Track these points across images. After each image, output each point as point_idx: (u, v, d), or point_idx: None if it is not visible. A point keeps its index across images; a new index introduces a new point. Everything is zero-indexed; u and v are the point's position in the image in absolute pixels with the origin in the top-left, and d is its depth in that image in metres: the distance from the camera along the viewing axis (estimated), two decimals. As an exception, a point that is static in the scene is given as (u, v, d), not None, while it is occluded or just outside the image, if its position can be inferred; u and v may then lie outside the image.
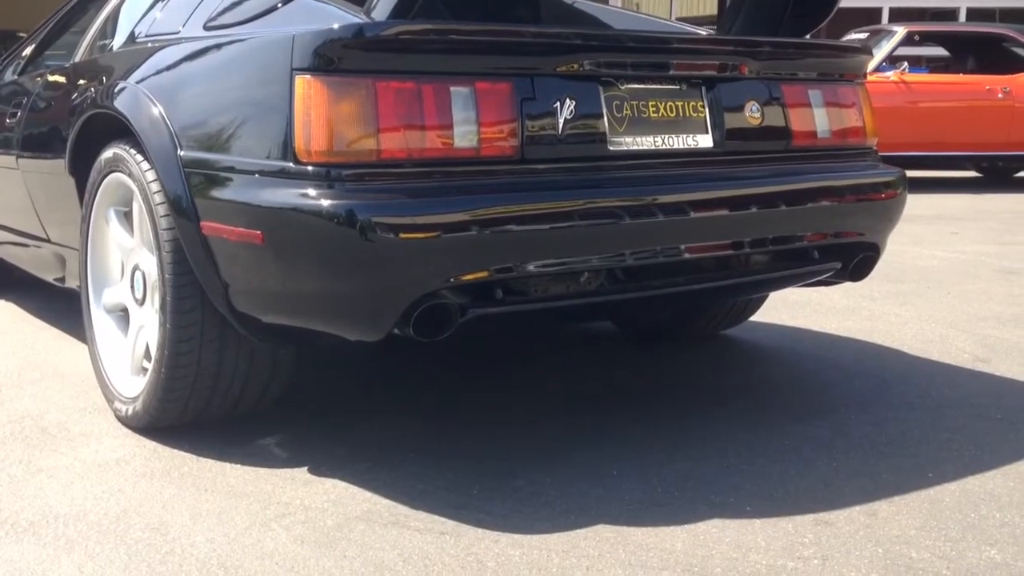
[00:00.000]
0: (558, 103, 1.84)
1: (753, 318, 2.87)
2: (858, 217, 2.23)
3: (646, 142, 1.94)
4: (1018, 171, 7.93)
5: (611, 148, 1.90)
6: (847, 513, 1.71)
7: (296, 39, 1.72)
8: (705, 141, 2.02)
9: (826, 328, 3.01)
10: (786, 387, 2.48)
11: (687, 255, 1.97)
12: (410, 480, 1.85)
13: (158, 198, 1.95)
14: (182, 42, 2.17)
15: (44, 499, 1.78)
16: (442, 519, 1.69)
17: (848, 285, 2.88)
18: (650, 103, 1.96)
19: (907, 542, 1.62)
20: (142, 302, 2.14)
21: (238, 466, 1.91)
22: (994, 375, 2.55)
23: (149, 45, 2.32)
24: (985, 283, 3.74)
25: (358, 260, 1.67)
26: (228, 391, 2.02)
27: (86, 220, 2.27)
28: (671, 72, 1.99)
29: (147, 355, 2.10)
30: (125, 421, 2.12)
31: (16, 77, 3.16)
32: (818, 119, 2.20)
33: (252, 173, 1.77)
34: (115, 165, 2.12)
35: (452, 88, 1.74)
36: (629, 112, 1.92)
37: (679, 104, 2.00)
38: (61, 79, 2.72)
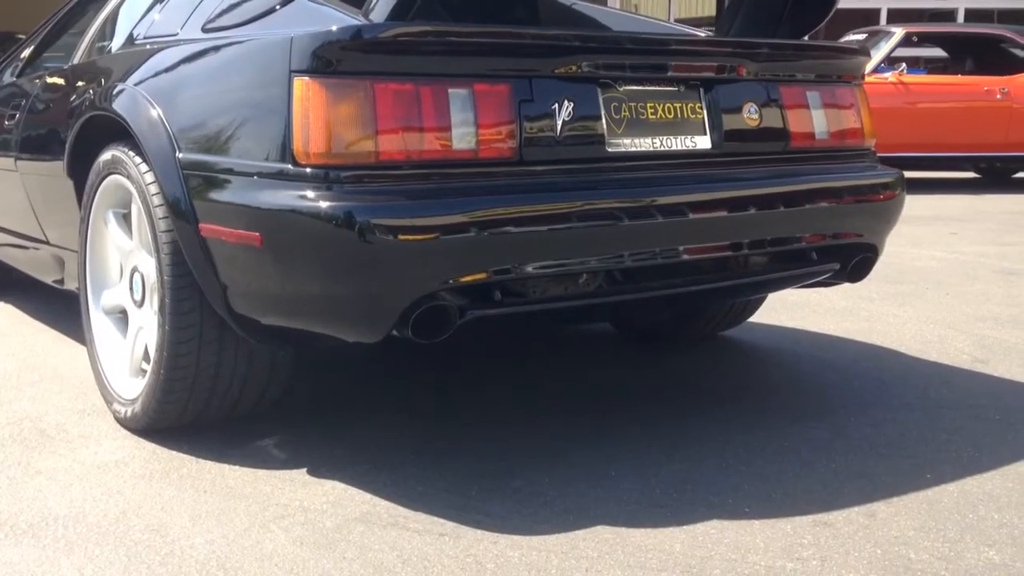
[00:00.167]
0: (556, 105, 1.84)
1: (752, 319, 2.87)
2: (856, 218, 2.23)
3: (644, 144, 1.94)
4: (1016, 172, 7.93)
5: (609, 150, 1.90)
6: (846, 514, 1.72)
7: (294, 41, 1.72)
8: (703, 142, 2.02)
9: (824, 329, 3.01)
10: (784, 388, 2.48)
11: (685, 256, 1.97)
12: (409, 481, 1.85)
13: (157, 200, 1.95)
14: (180, 44, 2.17)
15: (43, 501, 1.78)
16: (441, 520, 1.69)
17: (846, 286, 2.88)
18: (648, 105, 1.96)
19: (906, 543, 1.62)
20: (141, 304, 2.14)
21: (237, 467, 1.91)
22: (992, 376, 2.55)
23: (147, 47, 2.33)
24: (984, 284, 3.75)
25: (357, 262, 1.68)
26: (227, 392, 2.02)
27: (85, 222, 2.27)
28: (669, 74, 2.00)
29: (146, 357, 2.11)
30: (124, 423, 2.12)
31: (15, 79, 3.16)
32: (816, 120, 2.20)
33: (250, 175, 1.78)
34: (114, 167, 2.12)
35: (450, 90, 1.75)
36: (627, 114, 1.93)
37: (677, 106, 2.00)
38: (60, 81, 2.72)
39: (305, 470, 1.91)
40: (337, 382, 2.52)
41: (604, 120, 1.89)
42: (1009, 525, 1.69)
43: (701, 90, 2.03)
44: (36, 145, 2.67)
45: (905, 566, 1.55)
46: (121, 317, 2.26)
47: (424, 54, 1.74)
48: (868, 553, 1.59)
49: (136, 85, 2.11)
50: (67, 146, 2.36)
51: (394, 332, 1.74)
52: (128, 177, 2.05)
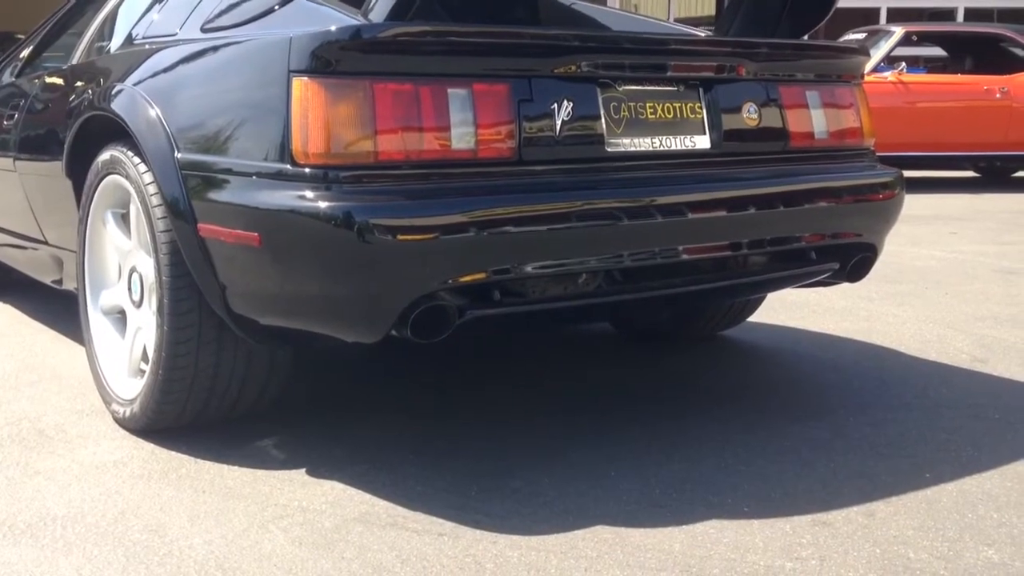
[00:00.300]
0: (556, 104, 1.84)
1: (751, 319, 2.87)
2: (856, 218, 2.23)
3: (644, 143, 1.94)
4: (1016, 171, 7.93)
5: (609, 149, 1.90)
6: (845, 514, 1.71)
7: (293, 41, 1.72)
8: (703, 142, 2.02)
9: (824, 329, 3.01)
10: (784, 388, 2.48)
11: (685, 256, 1.97)
12: (408, 481, 1.85)
13: (155, 200, 1.95)
14: (179, 44, 2.17)
15: (42, 501, 1.78)
16: (440, 520, 1.69)
17: (846, 286, 2.88)
18: (647, 104, 1.96)
19: (905, 542, 1.62)
20: (139, 304, 2.14)
21: (236, 468, 1.91)
22: (992, 375, 2.55)
23: (146, 47, 2.32)
24: (983, 283, 3.75)
25: (356, 262, 1.67)
26: (226, 393, 2.02)
27: (83, 222, 2.27)
28: (668, 73, 2.00)
29: (144, 357, 2.10)
30: (122, 423, 2.12)
31: (14, 79, 3.16)
32: (815, 120, 2.20)
33: (249, 175, 1.77)
34: (112, 167, 2.12)
35: (450, 90, 1.75)
36: (627, 113, 1.93)
37: (676, 105, 2.00)
38: (58, 81, 2.72)
39: (304, 470, 1.90)
40: (336, 382, 2.52)
41: (603, 120, 1.89)
42: (1008, 524, 1.69)
43: (700, 90, 2.03)
44: (35, 145, 2.67)
45: (904, 565, 1.55)
46: (120, 317, 2.25)
47: (423, 54, 1.74)
48: (867, 552, 1.58)
49: (135, 85, 2.11)
50: (66, 146, 2.35)
51: (393, 332, 1.74)
52: (127, 177, 2.05)
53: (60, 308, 3.14)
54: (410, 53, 1.73)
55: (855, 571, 1.53)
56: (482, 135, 1.77)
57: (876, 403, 2.31)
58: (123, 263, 2.21)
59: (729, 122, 2.05)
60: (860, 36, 7.73)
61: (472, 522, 1.68)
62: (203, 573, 1.52)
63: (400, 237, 1.67)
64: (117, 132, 2.12)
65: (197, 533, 1.65)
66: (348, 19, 1.86)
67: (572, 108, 1.86)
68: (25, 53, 3.26)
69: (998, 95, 7.12)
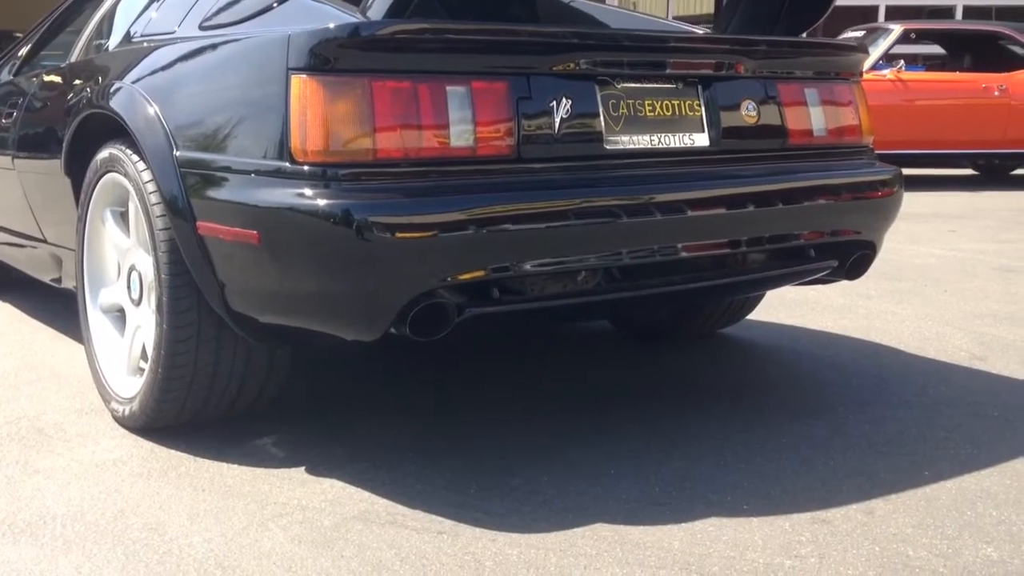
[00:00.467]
0: (554, 102, 1.84)
1: (750, 316, 2.87)
2: (854, 215, 2.23)
3: (642, 141, 1.94)
4: (1014, 169, 7.94)
5: (607, 147, 1.90)
6: (844, 511, 1.71)
7: (292, 39, 1.72)
8: (701, 140, 2.02)
9: (823, 326, 3.01)
10: (783, 386, 2.48)
11: (684, 254, 1.97)
12: (408, 479, 1.85)
13: (154, 198, 1.94)
14: (178, 42, 2.16)
15: (41, 500, 1.77)
16: (439, 518, 1.69)
17: (845, 283, 2.88)
18: (646, 102, 1.96)
19: (904, 540, 1.62)
20: (138, 302, 2.13)
21: (235, 466, 1.91)
22: (991, 373, 2.55)
23: (145, 45, 2.32)
24: (982, 281, 3.75)
25: (354, 260, 1.67)
26: (225, 391, 2.01)
27: (82, 220, 2.27)
28: (667, 71, 1.99)
29: (144, 355, 2.10)
30: (122, 421, 2.12)
31: (12, 77, 3.15)
32: (814, 117, 2.20)
33: (248, 173, 1.77)
34: (111, 165, 2.11)
35: (448, 87, 1.74)
36: (625, 111, 1.92)
37: (675, 103, 2.00)
38: (57, 79, 2.72)
39: (303, 468, 1.90)
40: (335, 380, 2.52)
41: (602, 117, 1.89)
42: (1007, 522, 1.69)
43: (699, 87, 2.03)
44: (33, 143, 2.67)
45: (903, 563, 1.55)
46: (119, 316, 2.25)
47: (422, 52, 1.74)
48: (866, 550, 1.59)
49: (133, 83, 2.11)
50: (64, 144, 2.35)
51: (392, 330, 1.74)
52: (125, 175, 2.05)
53: (59, 306, 3.13)
54: (409, 51, 1.73)
55: (854, 569, 1.53)
56: (481, 133, 1.77)
57: (875, 401, 2.31)
58: (122, 261, 2.21)
59: (728, 119, 2.05)
60: (859, 34, 7.72)
61: (471, 520, 1.68)
62: (202, 571, 1.52)
63: (399, 235, 1.66)
64: (116, 130, 2.12)
65: (196, 531, 1.65)
66: (347, 17, 1.85)
67: (571, 106, 1.86)
68: (23, 51, 3.25)
69: (997, 93, 7.12)
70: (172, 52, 2.12)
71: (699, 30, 2.59)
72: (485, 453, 1.98)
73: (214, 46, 2.01)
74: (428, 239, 1.69)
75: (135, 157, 2.02)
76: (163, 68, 2.12)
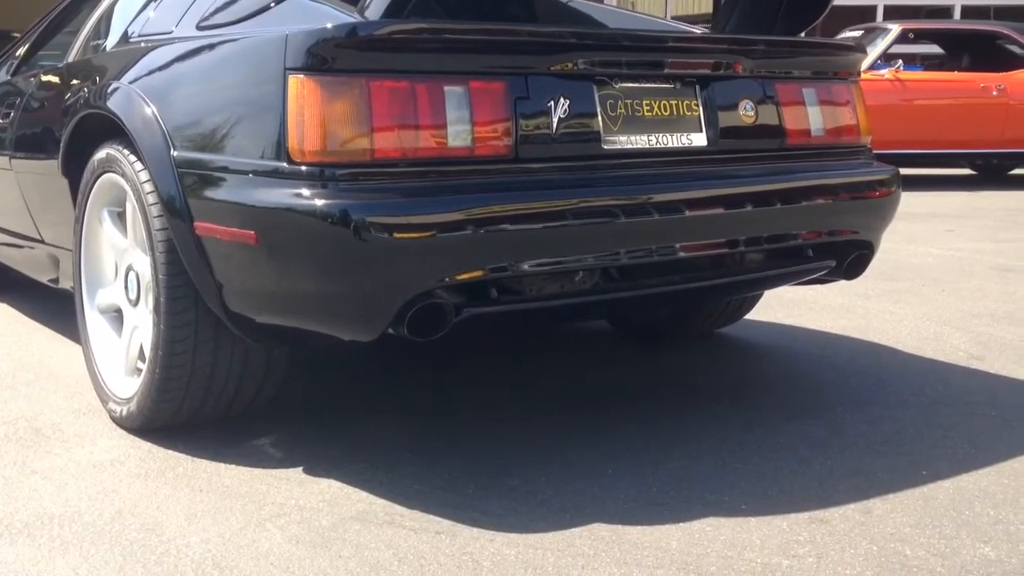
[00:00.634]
0: (552, 102, 1.84)
1: (748, 316, 2.87)
2: (852, 215, 2.23)
3: (640, 141, 1.94)
4: (1013, 168, 7.94)
5: (605, 147, 1.90)
6: (842, 511, 1.72)
7: (289, 39, 1.72)
8: (699, 140, 2.02)
9: (821, 326, 3.01)
10: (781, 385, 2.48)
11: (682, 254, 1.97)
12: (406, 480, 1.85)
13: (151, 198, 1.94)
14: (175, 42, 2.16)
15: (39, 500, 1.77)
16: (437, 518, 1.68)
17: (843, 283, 2.88)
18: (644, 102, 1.96)
19: (902, 539, 1.62)
20: (136, 303, 2.13)
21: (233, 466, 1.91)
22: (988, 372, 2.55)
23: (142, 45, 2.32)
24: (980, 280, 3.75)
25: (352, 260, 1.67)
26: (222, 391, 2.01)
27: (79, 221, 2.27)
28: (665, 71, 1.99)
29: (141, 356, 2.10)
30: (119, 422, 2.11)
31: (9, 77, 3.15)
32: (812, 117, 2.20)
33: (245, 173, 1.77)
34: (108, 165, 2.11)
35: (446, 87, 1.74)
36: (623, 111, 1.92)
37: (673, 103, 2.00)
38: (54, 79, 2.72)
39: (301, 469, 1.90)
40: (333, 380, 2.52)
41: (600, 117, 1.89)
42: (1004, 522, 1.69)
43: (697, 87, 2.03)
44: (31, 144, 2.67)
45: (901, 563, 1.55)
46: (116, 316, 2.25)
47: (419, 51, 1.74)
48: (864, 550, 1.59)
49: (131, 83, 2.11)
50: (61, 144, 2.35)
51: (390, 330, 1.74)
52: (123, 175, 2.05)
53: (56, 307, 3.13)
54: (406, 51, 1.73)
55: (852, 568, 1.53)
56: (479, 133, 1.77)
57: (873, 400, 2.31)
58: (119, 261, 2.21)
59: (726, 119, 2.05)
60: (857, 33, 7.72)
61: (469, 520, 1.68)
62: (200, 572, 1.52)
63: (397, 235, 1.66)
64: (113, 130, 2.12)
65: (194, 532, 1.65)
66: (344, 16, 1.85)
67: (569, 106, 1.85)
68: (21, 51, 3.25)
69: (995, 92, 7.13)
70: (169, 52, 2.12)
71: (697, 30, 2.59)
72: (483, 453, 1.98)
73: (211, 46, 2.01)
74: (426, 239, 1.69)
75: (132, 157, 2.02)
76: (160, 68, 2.12)
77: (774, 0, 2.40)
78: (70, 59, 2.81)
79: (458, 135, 1.75)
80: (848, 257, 2.24)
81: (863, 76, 2.51)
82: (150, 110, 1.99)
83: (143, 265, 2.07)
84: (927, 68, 8.60)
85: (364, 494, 1.78)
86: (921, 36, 8.47)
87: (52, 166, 2.42)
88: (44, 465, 1.93)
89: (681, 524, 1.66)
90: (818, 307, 3.24)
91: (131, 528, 1.66)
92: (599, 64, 1.90)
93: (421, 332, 1.73)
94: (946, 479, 1.85)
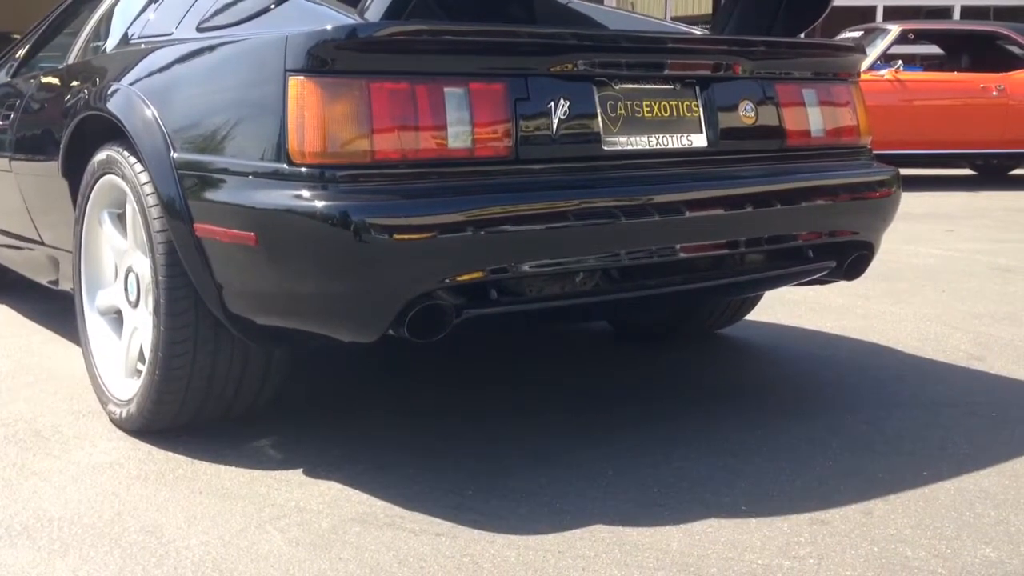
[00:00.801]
0: (552, 103, 1.84)
1: (748, 317, 2.87)
2: (852, 216, 2.23)
3: (640, 142, 1.94)
4: (1013, 168, 7.94)
5: (605, 148, 1.89)
6: (843, 512, 1.71)
7: (289, 40, 1.72)
8: (699, 141, 2.02)
9: (821, 327, 3.01)
10: (781, 386, 2.48)
11: (682, 255, 1.97)
12: (406, 481, 1.84)
13: (151, 200, 1.94)
14: (175, 44, 2.16)
15: (38, 502, 1.77)
16: (438, 520, 1.68)
17: (843, 283, 2.88)
18: (644, 103, 1.96)
19: (902, 540, 1.62)
20: (136, 304, 2.13)
21: (233, 468, 1.91)
22: (989, 373, 2.55)
23: (142, 47, 2.32)
24: (980, 281, 3.75)
25: (352, 261, 1.67)
26: (222, 393, 2.01)
27: (79, 222, 2.26)
28: (665, 72, 1.99)
29: (141, 357, 2.10)
30: (119, 424, 2.11)
31: (9, 79, 3.15)
32: (812, 118, 2.20)
33: (245, 175, 1.77)
34: (108, 167, 2.11)
35: (446, 89, 1.74)
36: (623, 112, 1.92)
37: (673, 104, 2.00)
38: (54, 81, 2.72)
39: (301, 470, 1.90)
40: (333, 382, 2.52)
41: (600, 118, 1.89)
42: (1005, 522, 1.69)
43: (697, 88, 2.03)
44: (31, 145, 2.67)
45: (902, 564, 1.55)
46: (116, 318, 2.25)
47: (419, 53, 1.74)
48: (865, 551, 1.58)
49: (131, 85, 2.10)
50: (61, 146, 2.35)
51: (390, 332, 1.74)
52: (123, 177, 2.05)
53: (56, 308, 3.13)
54: (406, 52, 1.73)
55: (853, 570, 1.53)
56: (479, 134, 1.77)
57: (873, 401, 2.31)
58: (119, 263, 2.21)
59: (726, 120, 2.05)
60: (857, 34, 7.73)
61: (469, 522, 1.68)
62: (200, 574, 1.52)
63: (397, 236, 1.66)
64: (113, 132, 2.12)
65: (194, 534, 1.64)
66: (344, 18, 1.85)
67: (569, 107, 1.85)
68: (21, 53, 3.25)
69: (995, 93, 7.13)
70: (169, 54, 2.12)
71: (697, 31, 2.59)
72: (483, 454, 1.98)
73: (212, 48, 2.01)
74: (426, 240, 1.69)
75: (132, 159, 2.02)
76: (160, 70, 2.12)
77: (774, 1, 2.40)
78: (70, 61, 2.81)
79: (458, 136, 1.75)
80: (848, 258, 2.24)
81: (863, 77, 2.51)
82: (150, 112, 1.99)
83: (143, 267, 2.07)
84: (927, 68, 8.61)
85: (364, 495, 1.78)
86: (921, 36, 8.47)
87: (52, 168, 2.42)
88: (44, 467, 1.93)
89: (682, 525, 1.66)
90: (819, 307, 3.24)
91: (131, 530, 1.66)
92: (599, 65, 1.90)
93: (421, 333, 1.73)
94: (947, 480, 1.85)
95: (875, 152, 2.39)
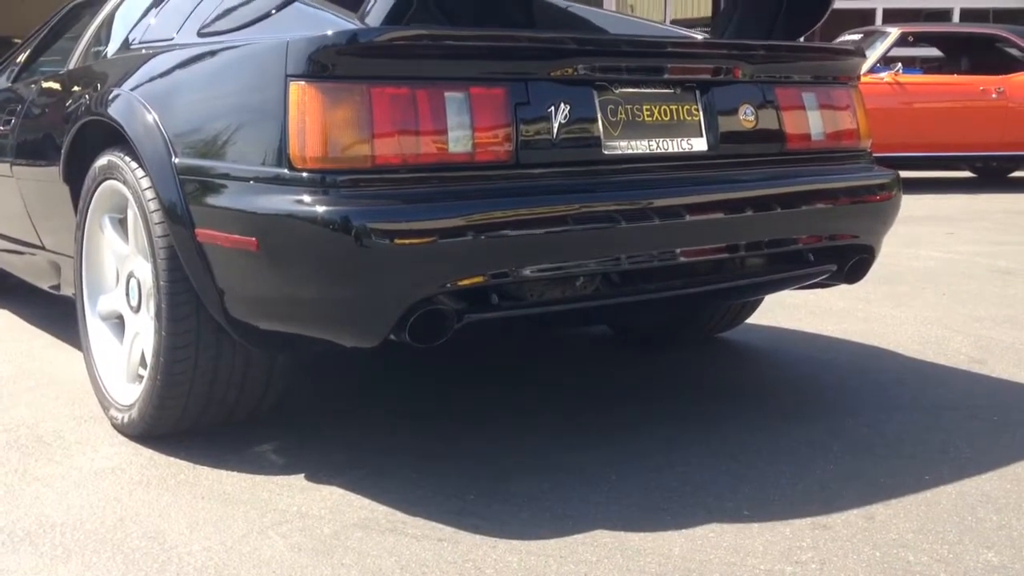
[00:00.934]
0: (552, 107, 1.84)
1: (749, 320, 2.87)
2: (853, 220, 2.23)
3: (641, 146, 1.94)
4: (1012, 171, 7.95)
5: (606, 152, 1.90)
6: (844, 516, 1.71)
7: (290, 45, 1.72)
8: (699, 144, 2.02)
9: (822, 330, 3.01)
10: (782, 389, 2.48)
11: (682, 259, 1.97)
12: (407, 486, 1.84)
13: (153, 205, 1.94)
14: (176, 49, 2.16)
15: (41, 508, 1.77)
16: (440, 525, 1.68)
17: (843, 286, 2.88)
18: (644, 107, 1.96)
19: (904, 545, 1.62)
20: (137, 309, 2.13)
21: (235, 473, 1.91)
22: (990, 376, 2.55)
23: (143, 52, 2.32)
24: (980, 284, 3.75)
25: (353, 266, 1.67)
26: (224, 398, 2.01)
27: (81, 227, 2.27)
28: (665, 76, 2.00)
29: (143, 362, 2.10)
30: (121, 429, 2.11)
31: (10, 84, 3.16)
32: (812, 122, 2.20)
33: (247, 180, 1.77)
34: (109, 172, 2.11)
35: (446, 93, 1.74)
36: (624, 116, 1.93)
37: (673, 108, 2.00)
38: (55, 86, 2.72)
39: (303, 475, 1.90)
40: (334, 386, 2.52)
41: (600, 122, 1.89)
42: (1008, 527, 1.69)
43: (697, 92, 2.03)
44: (32, 150, 2.67)
45: (904, 569, 1.54)
46: (117, 323, 2.25)
47: (420, 58, 1.74)
48: (867, 556, 1.58)
49: (132, 90, 2.11)
50: (63, 151, 2.35)
51: (392, 336, 1.74)
52: (124, 182, 2.05)
53: (58, 313, 3.13)
54: (407, 57, 1.73)
55: (855, 575, 1.53)
56: (479, 138, 1.77)
57: (874, 404, 2.31)
58: (121, 268, 2.21)
59: (726, 124, 2.06)
60: (856, 37, 7.74)
61: (471, 527, 1.68)
62: (202, 579, 1.52)
63: (398, 241, 1.66)
64: (114, 137, 2.12)
65: (196, 540, 1.64)
66: (345, 23, 1.86)
67: (569, 111, 1.86)
68: (22, 57, 3.25)
69: (994, 95, 7.13)
70: (170, 59, 2.12)
71: (697, 35, 2.60)
72: (484, 458, 1.98)
73: (213, 53, 2.01)
74: (427, 245, 1.69)
75: (134, 164, 2.02)
76: (161, 75, 2.12)
77: (773, 4, 2.40)
78: (71, 66, 2.81)
79: (459, 141, 1.75)
80: (849, 261, 2.24)
81: (862, 79, 2.52)
82: (151, 117, 1.99)
83: (144, 272, 2.07)
84: (926, 71, 8.60)
85: (366, 500, 1.78)
86: (920, 39, 8.48)
87: (53, 173, 2.42)
88: (46, 472, 1.93)
89: (684, 530, 1.66)
90: (819, 311, 3.24)
91: (133, 536, 1.66)
92: (599, 69, 1.90)
93: (422, 338, 1.73)
94: (948, 484, 1.85)
95: (874, 154, 2.39)
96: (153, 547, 1.62)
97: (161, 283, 1.92)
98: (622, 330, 2.91)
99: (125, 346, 2.18)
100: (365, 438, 2.10)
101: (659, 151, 1.97)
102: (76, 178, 2.31)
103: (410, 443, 2.07)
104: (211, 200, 1.84)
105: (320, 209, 1.66)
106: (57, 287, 2.65)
